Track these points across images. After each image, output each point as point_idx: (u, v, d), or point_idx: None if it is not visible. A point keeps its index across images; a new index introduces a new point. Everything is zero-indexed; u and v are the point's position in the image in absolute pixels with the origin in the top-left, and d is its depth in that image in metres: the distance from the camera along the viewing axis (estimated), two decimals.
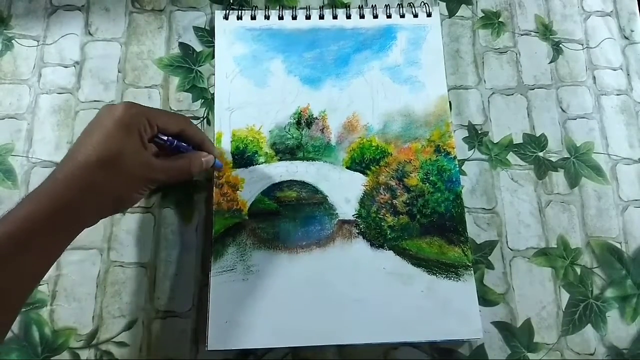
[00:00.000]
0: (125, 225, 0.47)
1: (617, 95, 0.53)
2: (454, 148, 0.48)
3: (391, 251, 0.45)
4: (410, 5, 0.53)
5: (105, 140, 0.36)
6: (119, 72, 0.52)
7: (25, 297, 0.35)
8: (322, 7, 0.53)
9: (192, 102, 0.51)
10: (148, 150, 0.39)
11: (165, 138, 0.41)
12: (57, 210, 0.34)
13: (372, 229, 0.46)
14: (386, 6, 0.53)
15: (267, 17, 0.52)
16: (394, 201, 0.47)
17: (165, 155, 0.42)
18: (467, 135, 0.51)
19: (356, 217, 0.46)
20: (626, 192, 0.49)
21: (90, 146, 0.36)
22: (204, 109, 0.51)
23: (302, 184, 0.47)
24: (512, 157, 0.50)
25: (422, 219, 0.46)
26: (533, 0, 0.56)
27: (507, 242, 0.48)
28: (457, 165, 0.48)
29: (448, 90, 0.51)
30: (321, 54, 0.51)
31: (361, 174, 0.48)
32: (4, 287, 0.33)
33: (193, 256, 0.46)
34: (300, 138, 0.49)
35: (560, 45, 0.54)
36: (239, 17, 0.52)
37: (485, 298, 0.46)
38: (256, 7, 0.54)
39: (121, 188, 0.38)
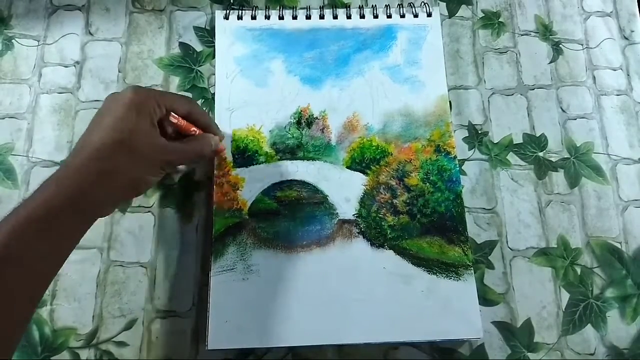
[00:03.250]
0: (125, 225, 0.47)
1: (617, 95, 0.53)
2: (454, 148, 0.48)
3: (391, 251, 0.45)
4: (410, 5, 0.53)
5: (118, 123, 0.36)
6: (119, 71, 0.52)
7: (39, 295, 0.34)
8: (323, 7, 0.53)
9: None
10: (158, 132, 0.39)
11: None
12: (73, 197, 0.33)
13: (372, 228, 0.46)
14: (386, 6, 0.53)
15: (267, 17, 0.52)
16: (394, 201, 0.47)
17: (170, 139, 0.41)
18: (467, 135, 0.51)
19: (356, 217, 0.46)
20: (626, 192, 0.49)
21: (103, 131, 0.35)
22: (205, 108, 0.51)
23: (303, 184, 0.47)
24: (512, 157, 0.50)
25: (423, 218, 0.46)
26: (533, 1, 0.56)
27: (507, 242, 0.48)
28: (457, 165, 0.48)
29: (448, 90, 0.51)
30: (321, 54, 0.51)
31: (361, 174, 0.48)
32: (12, 288, 0.31)
33: (193, 256, 0.46)
34: (301, 138, 0.49)
35: (560, 45, 0.54)
36: (240, 17, 0.52)
37: (486, 298, 0.46)
38: (256, 7, 0.54)
39: (137, 170, 0.37)
